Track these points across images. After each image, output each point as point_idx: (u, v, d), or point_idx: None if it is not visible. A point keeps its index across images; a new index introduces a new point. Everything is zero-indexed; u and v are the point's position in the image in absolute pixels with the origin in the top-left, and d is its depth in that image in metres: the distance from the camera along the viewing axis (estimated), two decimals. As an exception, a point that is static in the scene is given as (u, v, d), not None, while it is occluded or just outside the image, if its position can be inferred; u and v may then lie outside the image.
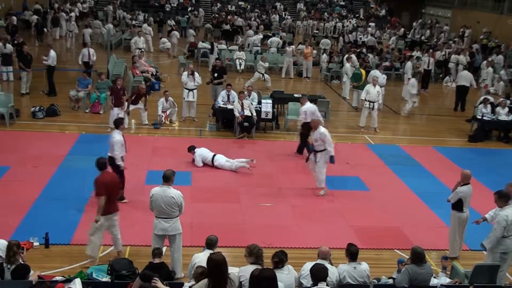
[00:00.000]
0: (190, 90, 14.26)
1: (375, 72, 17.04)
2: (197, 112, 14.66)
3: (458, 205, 8.09)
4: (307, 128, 11.85)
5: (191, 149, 11.54)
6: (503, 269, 7.09)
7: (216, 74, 15.49)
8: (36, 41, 25.22)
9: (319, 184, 10.44)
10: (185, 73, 14.61)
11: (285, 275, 5.80)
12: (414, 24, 37.26)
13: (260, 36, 27.77)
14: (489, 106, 15.29)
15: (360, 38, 30.76)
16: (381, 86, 16.14)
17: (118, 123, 9.41)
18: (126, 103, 13.43)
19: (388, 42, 31.29)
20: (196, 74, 14.54)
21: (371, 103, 14.70)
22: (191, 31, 27.65)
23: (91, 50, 17.44)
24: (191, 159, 11.61)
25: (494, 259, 7.16)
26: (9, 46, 17.09)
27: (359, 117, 15.28)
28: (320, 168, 10.30)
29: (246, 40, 27.69)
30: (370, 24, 35.42)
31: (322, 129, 10.26)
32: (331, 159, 10.23)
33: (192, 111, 14.51)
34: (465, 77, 18.12)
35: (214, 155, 11.45)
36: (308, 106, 12.30)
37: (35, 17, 27.31)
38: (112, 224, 7.52)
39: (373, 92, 14.73)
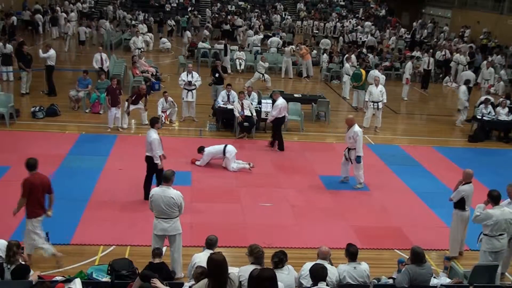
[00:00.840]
0: (189, 90, 14.26)
1: (375, 72, 17.05)
2: (196, 112, 14.67)
3: (460, 204, 8.11)
4: (281, 123, 12.69)
5: (201, 149, 11.50)
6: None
7: (217, 75, 15.48)
8: (39, 40, 25.22)
9: (357, 179, 10.82)
10: (184, 73, 14.58)
11: (285, 275, 5.80)
12: (414, 24, 37.26)
13: (261, 36, 27.78)
14: (489, 106, 15.30)
15: (360, 38, 30.77)
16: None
17: (154, 122, 9.38)
18: (126, 103, 13.46)
19: (388, 42, 31.28)
20: (196, 74, 14.53)
21: (375, 104, 14.71)
22: (206, 32, 27.54)
23: (103, 55, 17.11)
24: (190, 159, 11.60)
25: (486, 259, 7.23)
26: (9, 46, 17.08)
27: (360, 117, 15.27)
28: (356, 165, 10.67)
29: (246, 40, 27.69)
30: (365, 23, 35.40)
31: (356, 127, 10.51)
32: (358, 159, 10.54)
33: (192, 111, 14.51)
34: (468, 78, 18.14)
35: (225, 146, 11.44)
36: (282, 101, 12.71)
37: (39, 16, 27.41)
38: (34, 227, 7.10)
39: (376, 92, 14.74)
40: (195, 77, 14.41)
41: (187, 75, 14.31)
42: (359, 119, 15.34)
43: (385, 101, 15.07)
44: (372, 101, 14.73)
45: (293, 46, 23.53)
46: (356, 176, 10.85)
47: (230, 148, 11.38)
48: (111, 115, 13.22)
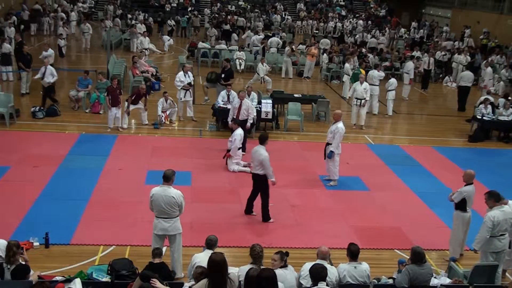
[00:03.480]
0: (187, 90, 14.28)
1: (374, 72, 17.03)
2: (196, 112, 14.68)
3: (461, 205, 8.08)
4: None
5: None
6: (497, 269, 7.12)
7: (223, 75, 15.25)
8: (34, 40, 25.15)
9: (331, 175, 10.84)
10: (181, 73, 14.54)
11: (289, 275, 5.83)
12: (413, 23, 37.29)
13: (261, 36, 27.76)
14: (489, 106, 15.30)
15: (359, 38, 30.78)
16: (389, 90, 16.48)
17: (264, 139, 9.13)
18: (126, 103, 13.46)
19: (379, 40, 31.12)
20: (190, 74, 14.54)
21: (359, 100, 14.79)
22: (254, 34, 26.97)
23: (49, 68, 14.80)
24: (190, 159, 11.58)
25: (487, 259, 7.22)
26: (7, 46, 17.04)
27: (358, 117, 15.30)
28: (332, 161, 10.69)
29: (246, 40, 27.68)
30: (358, 21, 35.42)
31: (341, 124, 10.61)
32: (329, 154, 10.61)
33: (189, 110, 14.54)
34: (467, 77, 18.15)
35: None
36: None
37: (47, 19, 27.11)
38: None
39: (360, 89, 14.87)
40: (191, 77, 14.45)
41: (185, 75, 14.32)
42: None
43: (368, 98, 15.12)
44: (356, 98, 14.81)
45: (294, 46, 23.42)
46: (330, 173, 10.86)
47: (238, 131, 11.30)
48: (111, 115, 13.22)
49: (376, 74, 16.70)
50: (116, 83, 13.41)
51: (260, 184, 9.01)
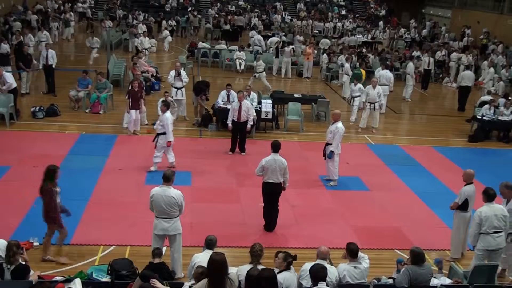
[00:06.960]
0: (178, 89, 14.28)
1: (379, 72, 17.03)
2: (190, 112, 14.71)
3: (462, 205, 8.08)
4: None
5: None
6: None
7: (203, 94, 14.51)
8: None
9: (330, 175, 10.85)
10: (172, 72, 14.58)
11: (291, 278, 5.83)
12: (412, 23, 37.28)
13: (259, 37, 27.74)
14: (493, 107, 15.29)
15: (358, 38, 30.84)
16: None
17: (279, 146, 8.86)
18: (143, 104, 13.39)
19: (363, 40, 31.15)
20: (183, 73, 14.53)
21: (372, 104, 14.75)
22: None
23: (50, 52, 15.84)
24: (190, 159, 11.59)
25: (479, 258, 7.23)
26: (4, 46, 16.99)
27: (359, 118, 15.29)
28: (331, 161, 10.71)
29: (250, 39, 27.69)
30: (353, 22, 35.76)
31: (340, 124, 10.62)
32: (329, 154, 10.64)
33: (182, 109, 14.53)
34: (469, 78, 18.15)
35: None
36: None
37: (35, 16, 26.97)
38: None
39: (373, 93, 14.78)
40: (183, 74, 14.44)
41: (175, 73, 14.39)
42: (359, 119, 15.39)
43: (381, 102, 15.07)
44: (369, 102, 14.78)
45: (292, 47, 23.46)
46: (330, 173, 10.87)
47: (167, 115, 10.75)
48: (131, 118, 13.02)
49: (383, 73, 16.78)
50: (136, 86, 13.04)
51: (279, 193, 8.79)
